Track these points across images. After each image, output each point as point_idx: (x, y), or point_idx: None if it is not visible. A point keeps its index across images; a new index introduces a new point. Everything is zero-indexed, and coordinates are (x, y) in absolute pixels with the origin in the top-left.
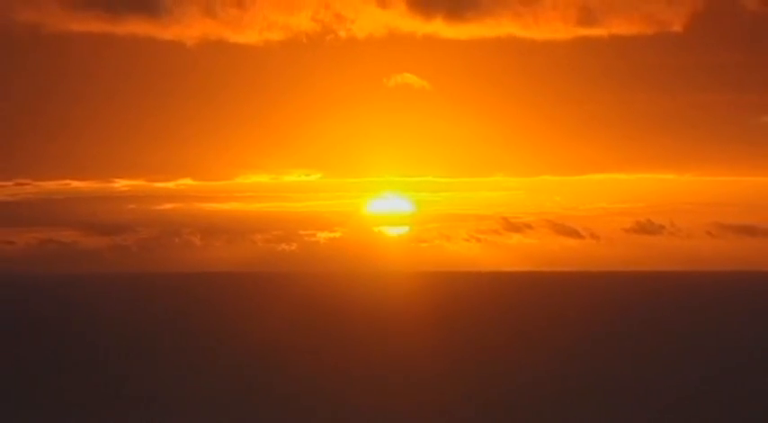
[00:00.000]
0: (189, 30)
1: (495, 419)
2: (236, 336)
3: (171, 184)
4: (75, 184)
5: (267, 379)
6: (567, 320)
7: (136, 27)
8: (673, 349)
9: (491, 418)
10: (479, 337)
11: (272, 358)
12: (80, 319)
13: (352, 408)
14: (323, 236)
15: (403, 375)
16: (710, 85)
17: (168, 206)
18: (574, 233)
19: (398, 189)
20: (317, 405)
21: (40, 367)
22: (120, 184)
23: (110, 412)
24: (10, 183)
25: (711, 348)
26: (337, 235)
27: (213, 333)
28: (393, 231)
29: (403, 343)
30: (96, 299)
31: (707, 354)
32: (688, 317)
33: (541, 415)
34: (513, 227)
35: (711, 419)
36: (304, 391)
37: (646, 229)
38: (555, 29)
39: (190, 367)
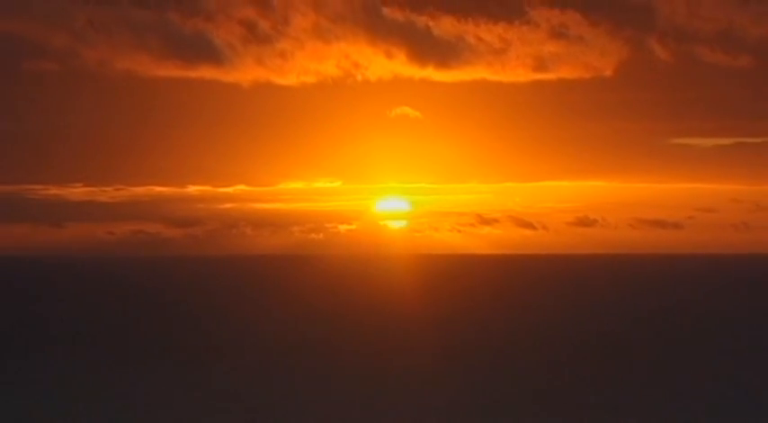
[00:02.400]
0: (244, 75)
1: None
2: (278, 298)
3: (230, 189)
4: (158, 189)
5: (306, 331)
6: (523, 288)
7: (205, 73)
8: (597, 307)
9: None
10: (458, 301)
11: (305, 316)
12: (162, 288)
13: (370, 346)
14: (343, 228)
15: (401, 325)
16: (632, 115)
17: (228, 205)
18: (529, 225)
19: (399, 193)
20: (342, 347)
21: (132, 320)
22: (192, 189)
23: (179, 361)
24: (110, 188)
25: (630, 310)
26: (353, 227)
27: (262, 297)
28: (395, 224)
29: (401, 304)
30: (174, 274)
31: (623, 313)
32: (614, 286)
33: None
34: (485, 221)
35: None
36: (331, 336)
37: (583, 222)
38: (517, 74)
39: (246, 321)
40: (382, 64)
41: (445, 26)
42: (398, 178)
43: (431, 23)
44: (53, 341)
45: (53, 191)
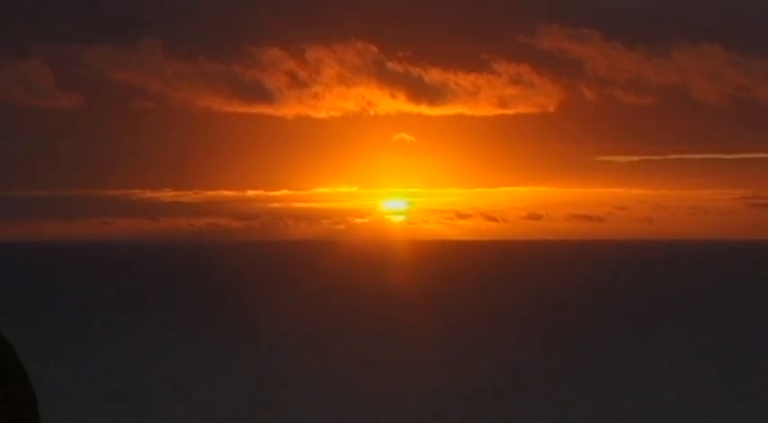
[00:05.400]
0: (289, 110)
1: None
2: (313, 269)
3: (278, 193)
4: (226, 192)
5: (331, 292)
6: (487, 266)
7: (260, 109)
8: (543, 277)
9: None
10: (442, 271)
11: (332, 281)
12: (230, 263)
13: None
14: (359, 220)
15: (399, 289)
16: (567, 140)
17: (276, 205)
18: (493, 219)
19: (399, 196)
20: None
21: (214, 284)
22: (250, 193)
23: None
24: (191, 192)
25: (566, 280)
26: (366, 220)
27: (301, 269)
28: (396, 218)
29: (399, 275)
30: (238, 254)
31: (563, 283)
32: (556, 263)
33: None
34: (462, 216)
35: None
36: (347, 299)
37: (533, 216)
38: (486, 110)
39: (290, 285)
40: (388, 102)
41: (433, 75)
42: (399, 185)
43: (423, 73)
44: (155, 304)
45: (149, 194)
